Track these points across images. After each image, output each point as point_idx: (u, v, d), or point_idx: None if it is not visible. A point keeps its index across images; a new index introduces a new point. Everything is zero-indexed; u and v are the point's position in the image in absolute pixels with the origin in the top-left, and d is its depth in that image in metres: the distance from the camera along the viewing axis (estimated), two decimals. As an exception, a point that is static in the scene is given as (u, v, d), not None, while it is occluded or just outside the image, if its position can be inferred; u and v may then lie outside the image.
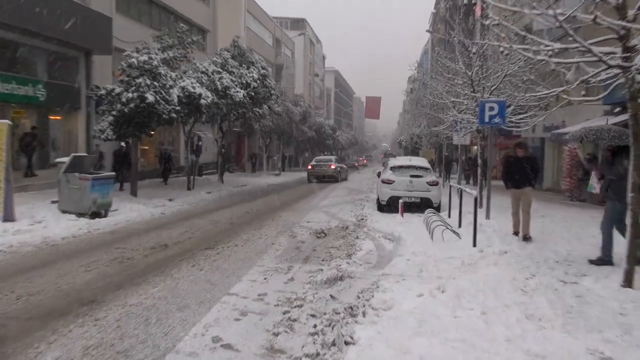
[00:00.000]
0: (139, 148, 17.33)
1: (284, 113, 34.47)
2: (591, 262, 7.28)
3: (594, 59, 5.62)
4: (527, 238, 9.05)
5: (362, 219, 12.82)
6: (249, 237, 10.03)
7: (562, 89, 6.96)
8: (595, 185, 7.96)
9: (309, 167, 31.33)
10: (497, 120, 10.95)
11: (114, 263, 7.55)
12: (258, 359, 4.26)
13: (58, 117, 18.78)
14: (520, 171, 9.38)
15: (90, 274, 6.89)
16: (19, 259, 7.72)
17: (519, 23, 11.23)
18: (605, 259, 7.21)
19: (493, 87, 13.37)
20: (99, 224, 10.98)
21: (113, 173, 13.39)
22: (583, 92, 6.61)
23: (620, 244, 6.67)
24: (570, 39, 5.67)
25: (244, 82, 20.53)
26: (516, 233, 9.49)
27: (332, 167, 30.48)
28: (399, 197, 13.53)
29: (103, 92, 15.10)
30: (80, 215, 11.52)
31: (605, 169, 7.60)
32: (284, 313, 5.34)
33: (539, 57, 6.40)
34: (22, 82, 16.05)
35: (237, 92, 19.17)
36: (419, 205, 13.68)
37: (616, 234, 7.20)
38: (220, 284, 6.44)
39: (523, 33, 6.78)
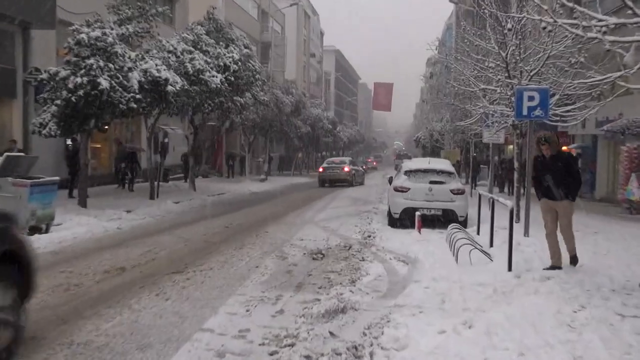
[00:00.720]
0: (89, 146, 17.32)
1: (272, 103, 34.54)
2: None
3: (658, 37, 5.67)
4: (573, 260, 8.62)
5: (370, 236, 12.85)
6: (227, 258, 10.04)
7: (618, 74, 7.03)
8: (634, 190, 7.92)
9: (320, 169, 34.81)
10: (538, 112, 10.99)
11: (58, 291, 7.53)
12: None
13: (-13, 108, 18.78)
14: (550, 176, 8.56)
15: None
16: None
17: (565, -8, 11.30)
18: None
19: (533, 72, 13.43)
20: (38, 242, 10.94)
21: (57, 178, 13.37)
22: (645, 78, 6.67)
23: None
24: (629, 12, 5.73)
25: (222, 64, 20.57)
26: (555, 267, 8.42)
27: (346, 170, 33.96)
28: (415, 209, 13.55)
29: (45, 76, 15.11)
30: (15, 230, 11.49)
31: None
32: (271, 354, 5.33)
33: (590, 35, 6.45)
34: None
35: (213, 76, 19.21)
36: (441, 220, 13.70)
37: None
38: (192, 318, 6.43)
39: (570, 4, 6.84)
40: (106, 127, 18.59)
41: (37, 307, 6.74)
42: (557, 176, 8.46)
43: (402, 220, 14.04)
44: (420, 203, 13.95)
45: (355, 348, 5.39)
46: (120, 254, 10.19)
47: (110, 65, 14.74)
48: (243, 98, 23.51)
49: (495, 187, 25.31)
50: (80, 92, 14.19)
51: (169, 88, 16.38)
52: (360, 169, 39.52)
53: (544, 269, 8.32)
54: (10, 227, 5.40)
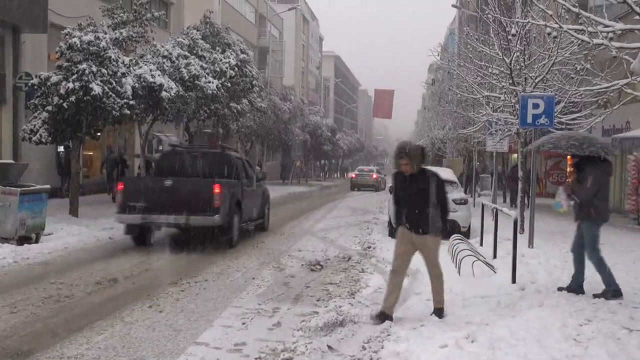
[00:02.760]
0: (81, 154, 17.31)
1: (270, 110, 34.62)
2: (595, 296, 7.51)
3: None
4: (439, 312, 6.86)
5: (369, 247, 12.84)
6: (222, 269, 10.03)
7: (625, 81, 7.06)
8: (562, 203, 7.85)
9: (353, 175, 44.15)
10: (543, 120, 11.04)
11: (48, 302, 7.52)
12: None
13: (-24, 114, 18.78)
14: (410, 201, 6.76)
15: (16, 317, 6.86)
16: None
17: (570, -3, 11.37)
18: (613, 290, 7.53)
19: (538, 79, 13.50)
20: (28, 252, 10.93)
21: (47, 186, 13.35)
22: (653, 86, 6.72)
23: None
24: (637, 17, 5.76)
25: (218, 69, 20.63)
26: (385, 314, 6.67)
27: (374, 177, 42.66)
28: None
29: (35, 81, 15.12)
30: (4, 240, 11.48)
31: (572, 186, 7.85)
32: (268, 368, 5.34)
33: (596, 41, 6.49)
34: None
35: (209, 82, 19.25)
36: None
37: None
38: (186, 331, 6.44)
39: (576, 10, 6.88)
40: (99, 134, 18.59)
41: (27, 319, 6.76)
42: (416, 202, 6.67)
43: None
44: (421, 213, 13.94)
45: (355, 362, 5.39)
46: (112, 265, 10.17)
47: (103, 70, 14.74)
48: (240, 104, 23.57)
49: (501, 197, 25.30)
50: (72, 98, 14.19)
51: (164, 94, 16.40)
52: (385, 176, 45.90)
53: (370, 317, 6.77)
54: (266, 187, 14.74)
